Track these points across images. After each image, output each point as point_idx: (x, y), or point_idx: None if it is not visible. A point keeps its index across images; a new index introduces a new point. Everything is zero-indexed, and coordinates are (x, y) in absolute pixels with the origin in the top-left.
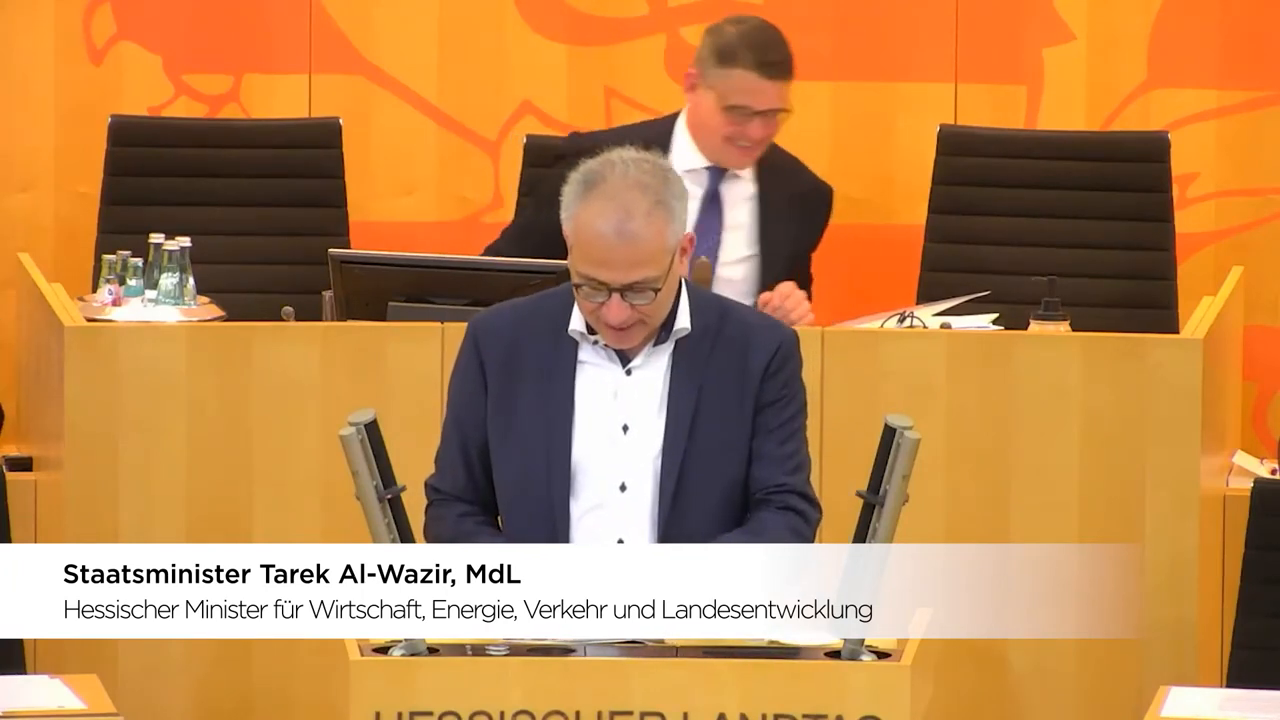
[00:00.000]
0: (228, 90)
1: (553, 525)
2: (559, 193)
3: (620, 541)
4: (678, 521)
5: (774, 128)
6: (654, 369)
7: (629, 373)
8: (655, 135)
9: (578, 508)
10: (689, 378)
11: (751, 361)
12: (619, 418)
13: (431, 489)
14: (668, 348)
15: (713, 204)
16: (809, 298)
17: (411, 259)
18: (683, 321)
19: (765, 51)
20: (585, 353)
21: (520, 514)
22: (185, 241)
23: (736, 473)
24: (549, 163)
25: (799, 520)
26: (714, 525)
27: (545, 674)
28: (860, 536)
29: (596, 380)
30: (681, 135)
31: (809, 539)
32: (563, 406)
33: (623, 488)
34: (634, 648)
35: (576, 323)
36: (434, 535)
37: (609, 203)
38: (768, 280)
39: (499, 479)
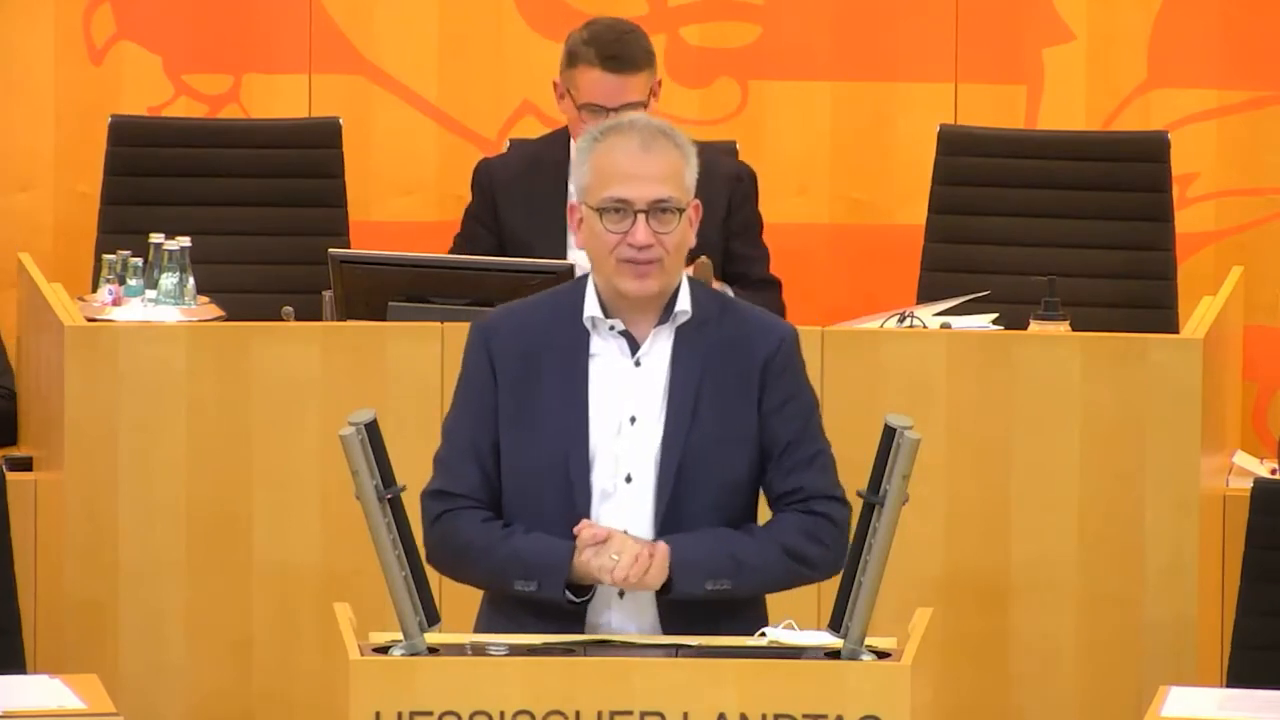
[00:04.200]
0: (228, 90)
1: (574, 516)
2: (480, 217)
3: (625, 533)
4: (674, 515)
5: None
6: (659, 359)
7: (638, 363)
8: (552, 146)
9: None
10: (689, 370)
11: (753, 357)
12: (627, 409)
13: (443, 495)
14: (670, 332)
15: None
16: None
17: (411, 259)
18: (684, 304)
19: (606, 46)
20: (596, 344)
21: (536, 507)
22: (185, 241)
23: (735, 472)
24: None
25: (822, 522)
26: (710, 520)
27: (545, 674)
28: (860, 536)
29: (607, 371)
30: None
31: (828, 540)
32: (577, 397)
33: (628, 479)
34: (634, 648)
35: (591, 308)
36: (468, 540)
37: (629, 131)
38: None
39: (509, 467)
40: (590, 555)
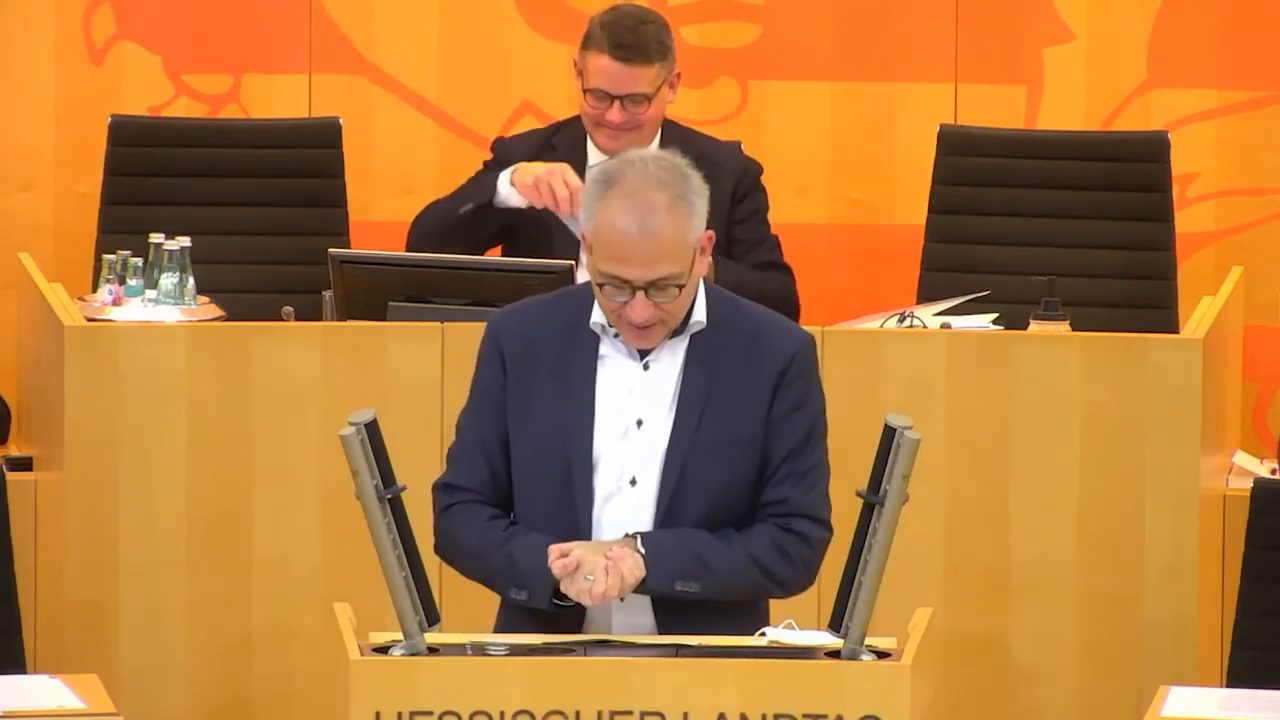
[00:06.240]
0: (228, 90)
1: (575, 518)
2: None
3: (627, 535)
4: (673, 518)
5: (640, 113)
6: (669, 363)
7: (646, 367)
8: (570, 133)
9: (594, 501)
10: (701, 374)
11: (765, 362)
12: (634, 412)
13: (451, 488)
14: (683, 342)
15: None
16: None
17: (411, 259)
18: (699, 315)
19: (620, 35)
20: (605, 347)
21: (540, 507)
22: (185, 241)
23: (739, 475)
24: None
25: (795, 540)
26: (710, 524)
27: (545, 674)
28: (860, 536)
29: (615, 374)
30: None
31: (798, 560)
32: (583, 400)
33: (633, 482)
34: (634, 648)
35: (598, 315)
36: (468, 544)
37: (629, 199)
38: None
39: (516, 472)
40: (567, 585)
